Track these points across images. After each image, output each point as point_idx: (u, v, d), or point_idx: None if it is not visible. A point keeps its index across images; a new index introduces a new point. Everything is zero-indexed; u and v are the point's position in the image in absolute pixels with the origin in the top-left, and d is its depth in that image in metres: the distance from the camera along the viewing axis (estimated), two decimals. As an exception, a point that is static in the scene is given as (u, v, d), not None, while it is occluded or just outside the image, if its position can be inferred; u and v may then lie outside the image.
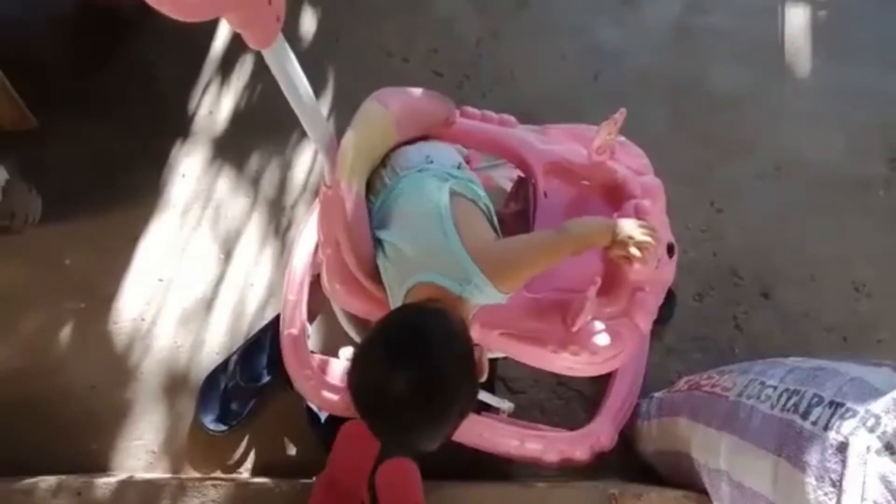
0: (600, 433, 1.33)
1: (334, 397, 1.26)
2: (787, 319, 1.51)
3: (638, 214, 1.03)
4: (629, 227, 0.96)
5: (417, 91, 1.11)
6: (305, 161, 1.62)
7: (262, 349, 1.40)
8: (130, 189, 1.57)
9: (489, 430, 1.29)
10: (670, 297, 1.48)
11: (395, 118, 1.04)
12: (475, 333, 1.02)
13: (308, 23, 1.77)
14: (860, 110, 1.75)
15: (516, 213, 1.17)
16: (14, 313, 1.46)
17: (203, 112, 1.67)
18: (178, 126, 1.65)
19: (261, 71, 1.73)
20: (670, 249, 1.07)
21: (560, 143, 1.16)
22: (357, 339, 1.22)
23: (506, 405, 1.35)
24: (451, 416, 0.83)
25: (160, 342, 1.45)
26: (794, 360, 1.13)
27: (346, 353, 1.32)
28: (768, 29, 1.88)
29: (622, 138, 1.15)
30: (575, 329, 1.00)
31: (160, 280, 1.50)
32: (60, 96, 1.64)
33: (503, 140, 1.15)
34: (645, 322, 1.05)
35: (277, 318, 1.42)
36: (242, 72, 1.71)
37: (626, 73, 1.78)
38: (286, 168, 1.61)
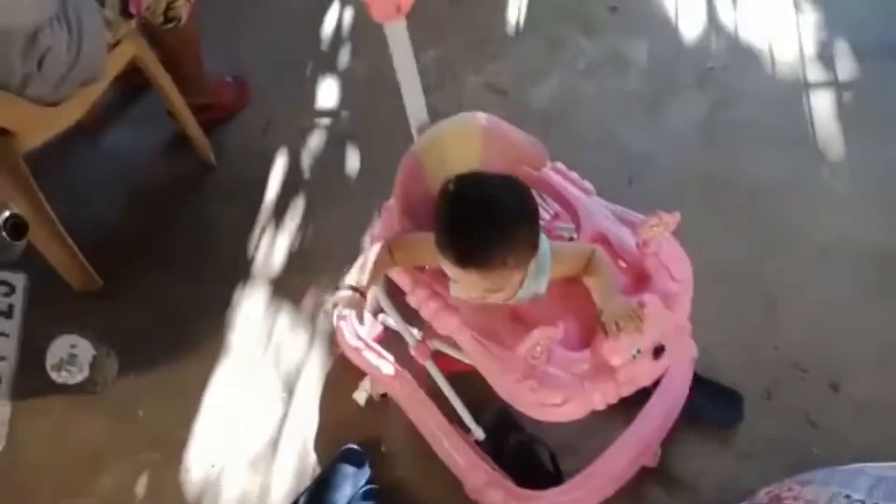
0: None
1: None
2: (861, 411, 1.44)
3: (640, 307, 1.03)
4: (621, 305, 1.03)
5: (514, 127, 1.28)
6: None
7: (329, 488, 1.41)
8: (196, 337, 1.66)
9: (455, 443, 1.37)
10: (737, 399, 1.45)
11: (484, 133, 1.23)
12: (454, 326, 1.12)
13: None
14: (900, 185, 1.74)
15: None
16: (92, 469, 1.52)
17: (260, 256, 1.78)
18: (239, 272, 1.75)
19: (311, 213, 1.85)
20: (657, 351, 1.05)
21: (619, 224, 1.21)
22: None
23: (479, 433, 1.37)
24: (531, 223, 1.01)
25: (230, 488, 1.48)
26: (879, 467, 1.07)
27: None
28: (797, 115, 1.91)
29: (670, 237, 1.15)
30: (523, 353, 1.01)
31: (228, 425, 1.55)
32: (128, 257, 1.78)
33: (569, 198, 1.26)
34: (600, 391, 1.04)
35: (340, 454, 1.45)
36: (294, 215, 1.83)
37: (660, 174, 1.83)
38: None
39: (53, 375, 1.24)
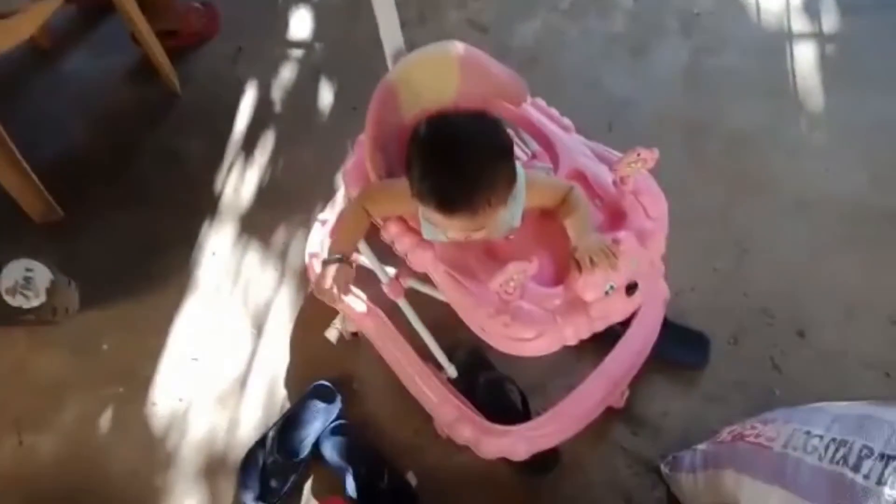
0: (519, 440, 1.30)
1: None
2: (825, 357, 1.48)
3: (615, 243, 1.02)
4: (596, 241, 1.01)
5: (494, 60, 1.24)
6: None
7: (298, 423, 1.40)
8: (162, 271, 1.62)
9: (426, 380, 1.37)
10: (704, 342, 1.47)
11: (461, 63, 1.18)
12: (428, 261, 1.11)
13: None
14: (879, 140, 1.74)
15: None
16: (55, 403, 1.49)
17: (229, 190, 1.72)
18: (206, 206, 1.70)
19: (282, 147, 1.79)
20: (630, 288, 1.04)
21: (597, 162, 1.19)
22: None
23: (451, 370, 1.38)
24: (508, 159, 0.99)
25: (198, 422, 1.46)
26: (838, 405, 1.10)
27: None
28: (779, 65, 1.89)
29: (648, 175, 1.13)
30: (496, 287, 1.00)
31: (195, 359, 1.52)
32: (90, 187, 1.71)
33: (548, 134, 1.24)
34: (573, 326, 1.04)
35: (310, 390, 1.44)
36: (265, 149, 1.77)
37: (641, 120, 1.80)
38: (311, 239, 1.65)
39: (8, 299, 1.20)
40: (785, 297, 1.54)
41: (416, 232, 1.12)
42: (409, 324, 1.33)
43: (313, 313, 1.55)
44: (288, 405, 1.46)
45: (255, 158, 1.76)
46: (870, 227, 1.63)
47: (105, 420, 1.48)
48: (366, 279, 1.43)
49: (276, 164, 1.75)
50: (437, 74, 1.19)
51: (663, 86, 1.87)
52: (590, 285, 1.01)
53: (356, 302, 1.45)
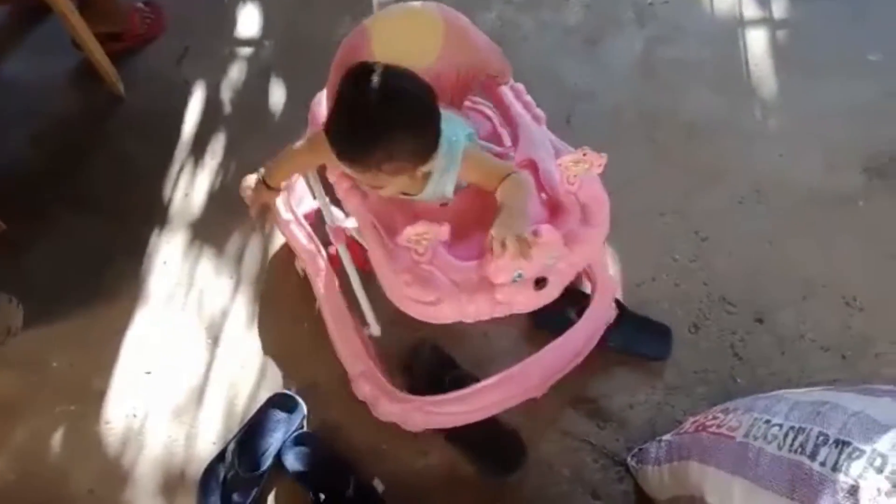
0: (416, 411, 1.31)
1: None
2: (784, 343, 1.49)
3: (534, 235, 1.03)
4: (515, 227, 1.00)
5: (483, 34, 1.23)
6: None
7: (259, 434, 1.37)
8: (112, 282, 1.56)
9: (342, 329, 1.39)
10: (666, 333, 1.47)
11: (447, 27, 1.15)
12: (356, 207, 1.14)
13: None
14: (832, 124, 1.76)
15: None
16: (6, 424, 1.43)
17: (179, 196, 1.67)
18: (155, 213, 1.64)
19: (233, 149, 1.74)
20: (539, 281, 1.05)
21: (553, 157, 1.19)
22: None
23: (375, 329, 1.38)
24: (416, 132, 0.99)
25: (154, 437, 1.42)
26: (796, 393, 1.11)
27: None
28: (732, 54, 1.90)
29: (596, 179, 1.13)
30: (402, 241, 1.02)
31: (148, 373, 1.47)
32: (33, 197, 1.64)
33: (516, 119, 1.25)
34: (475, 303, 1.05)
35: (270, 400, 1.41)
36: (215, 152, 1.72)
37: (598, 112, 1.80)
38: (266, 244, 1.61)
39: (-56, 323, 1.13)
40: (743, 284, 1.56)
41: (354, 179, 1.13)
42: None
43: (271, 320, 1.52)
44: (248, 416, 1.42)
45: (205, 162, 1.71)
46: (823, 211, 1.65)
47: (58, 439, 1.42)
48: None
49: (228, 167, 1.69)
50: (419, 33, 1.17)
51: (620, 77, 1.87)
52: (499, 268, 1.02)
53: (305, 239, 1.47)
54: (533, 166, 1.16)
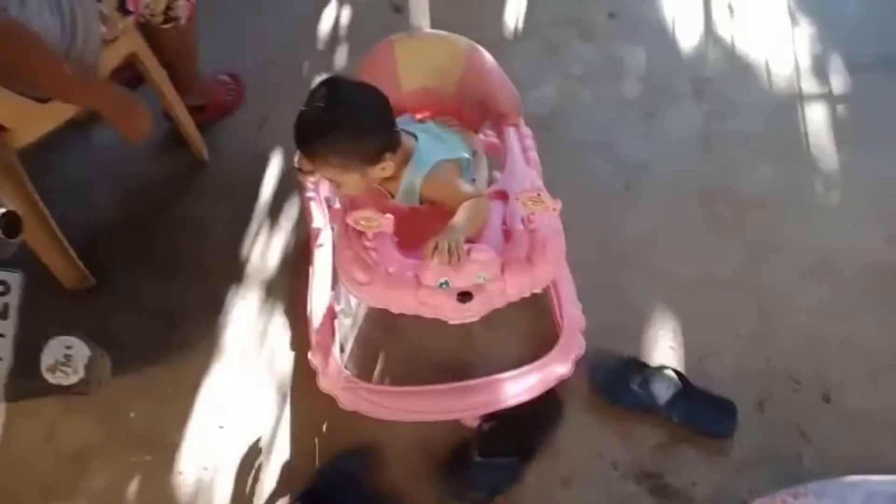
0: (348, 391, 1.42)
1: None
2: (852, 423, 1.46)
3: (467, 250, 1.12)
4: (451, 236, 1.11)
5: (503, 72, 1.41)
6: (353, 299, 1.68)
7: (323, 493, 1.40)
8: (189, 337, 1.64)
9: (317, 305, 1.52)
10: (731, 410, 1.46)
11: (468, 57, 1.35)
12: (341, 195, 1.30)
13: None
14: (893, 197, 1.76)
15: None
16: (83, 471, 1.50)
17: (255, 257, 1.76)
18: (232, 272, 1.73)
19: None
20: (463, 295, 1.14)
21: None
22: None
23: (347, 309, 1.54)
24: (359, 138, 1.15)
25: (223, 491, 1.46)
26: (873, 480, 1.09)
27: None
28: (791, 127, 1.94)
29: (557, 219, 1.23)
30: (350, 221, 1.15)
31: (221, 427, 1.53)
32: (119, 255, 1.75)
33: (508, 155, 1.37)
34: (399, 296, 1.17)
35: (335, 458, 1.44)
36: (289, 216, 1.81)
37: (656, 181, 1.84)
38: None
39: (48, 377, 1.22)
40: (808, 359, 1.54)
41: None
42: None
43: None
44: (313, 474, 1.45)
45: (280, 225, 1.81)
46: (888, 285, 1.63)
47: (132, 488, 1.48)
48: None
49: (301, 230, 1.79)
50: (441, 58, 1.35)
51: (677, 149, 1.91)
52: (426, 269, 1.13)
53: (318, 216, 1.61)
54: (504, 198, 1.28)
